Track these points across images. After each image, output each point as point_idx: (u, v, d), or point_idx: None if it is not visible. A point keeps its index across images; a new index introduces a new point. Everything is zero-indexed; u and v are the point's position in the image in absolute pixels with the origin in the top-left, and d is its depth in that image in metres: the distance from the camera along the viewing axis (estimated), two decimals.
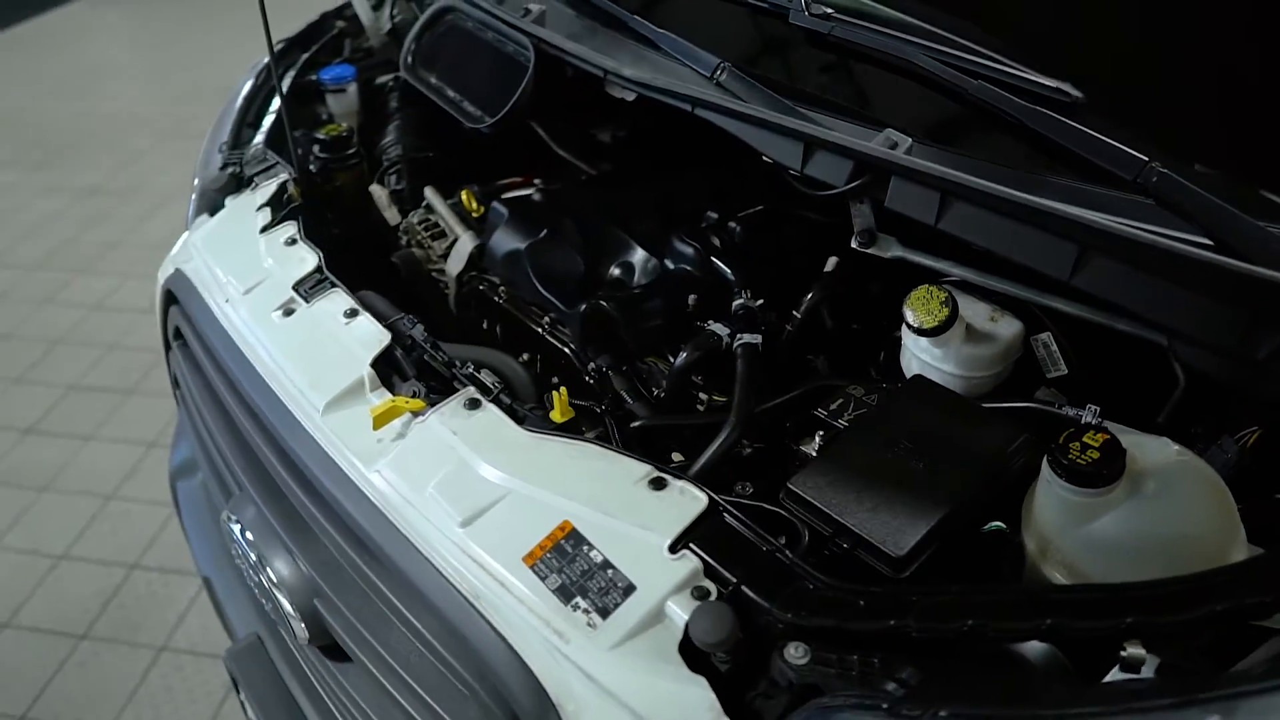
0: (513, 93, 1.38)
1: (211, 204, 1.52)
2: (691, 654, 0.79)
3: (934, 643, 0.76)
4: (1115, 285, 0.90)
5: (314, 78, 1.76)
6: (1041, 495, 0.92)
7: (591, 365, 1.22)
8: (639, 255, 1.30)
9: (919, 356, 1.12)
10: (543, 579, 0.85)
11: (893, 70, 1.13)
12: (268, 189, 1.43)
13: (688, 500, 0.88)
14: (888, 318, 1.26)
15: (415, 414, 1.01)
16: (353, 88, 1.75)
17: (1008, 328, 1.10)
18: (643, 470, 0.91)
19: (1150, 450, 0.90)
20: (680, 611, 0.80)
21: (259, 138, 1.58)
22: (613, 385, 1.18)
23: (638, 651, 0.79)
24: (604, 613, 0.81)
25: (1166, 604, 0.73)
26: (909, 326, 1.05)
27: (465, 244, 1.45)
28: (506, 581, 0.85)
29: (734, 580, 0.81)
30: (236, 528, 1.19)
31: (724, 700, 0.75)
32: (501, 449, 0.95)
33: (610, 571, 0.84)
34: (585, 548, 0.86)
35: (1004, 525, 0.91)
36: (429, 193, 1.57)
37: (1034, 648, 0.80)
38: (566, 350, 1.25)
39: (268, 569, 1.12)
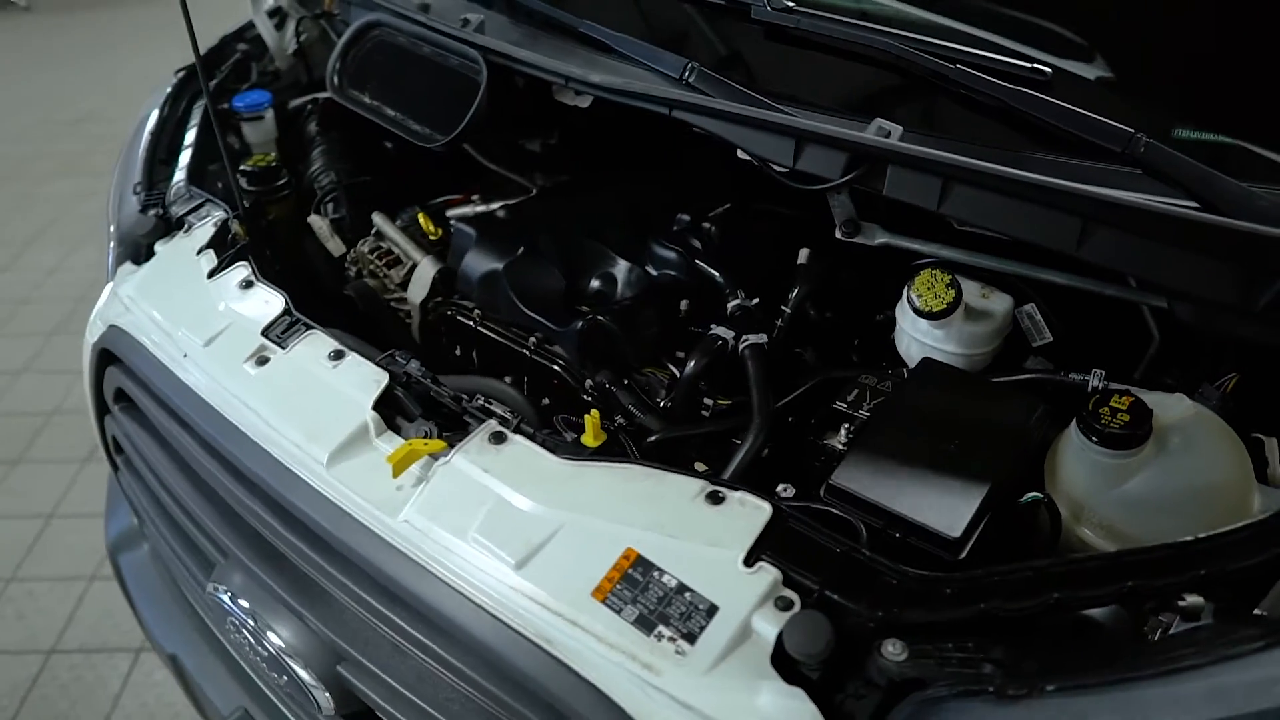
0: (465, 107, 1.32)
1: (136, 251, 1.39)
2: (783, 666, 0.77)
3: (1019, 621, 0.77)
4: (1120, 254, 0.94)
5: (226, 105, 1.64)
6: (1072, 461, 0.95)
7: (590, 382, 1.18)
8: (620, 265, 1.27)
9: (919, 339, 1.14)
10: (618, 612, 0.81)
11: (865, 61, 1.14)
12: (205, 230, 1.32)
13: (750, 510, 0.86)
14: (864, 305, 1.29)
15: (435, 455, 0.95)
16: (270, 114, 1.64)
17: (1000, 303, 1.14)
18: (696, 486, 0.88)
19: (1168, 407, 0.95)
20: (768, 625, 0.79)
21: (179, 174, 1.46)
22: (619, 400, 1.15)
23: (732, 672, 0.77)
24: (690, 638, 0.79)
25: (1232, 553, 0.77)
26: (916, 311, 1.07)
27: (427, 269, 1.38)
28: (579, 620, 0.81)
29: (816, 586, 0.80)
30: (226, 597, 1.10)
31: (819, 707, 0.74)
32: (540, 481, 0.91)
33: (688, 594, 0.81)
34: (656, 573, 0.83)
35: (1040, 495, 0.94)
36: (378, 219, 1.48)
37: (1102, 610, 0.83)
38: (557, 369, 1.21)
39: (272, 638, 1.04)
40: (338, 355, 1.08)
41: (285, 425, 1.03)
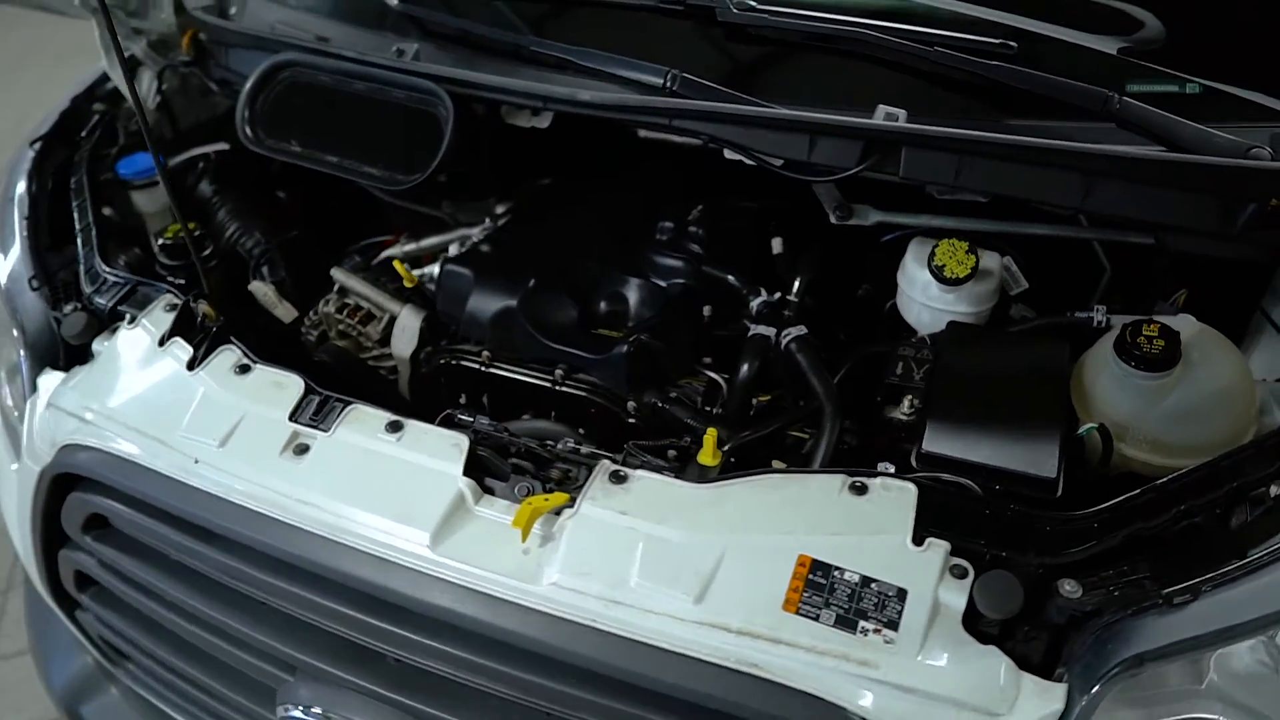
0: (430, 142, 1.24)
1: (55, 355, 1.19)
2: (971, 630, 0.82)
3: (1154, 538, 0.87)
4: (1119, 201, 1.06)
5: (110, 175, 1.43)
6: (1113, 388, 1.07)
7: (633, 405, 1.16)
8: (627, 283, 1.26)
9: (931, 306, 1.22)
10: (815, 619, 0.82)
11: (840, 54, 1.20)
12: (158, 317, 1.16)
13: (897, 493, 0.90)
14: (846, 283, 1.36)
15: (558, 510, 0.91)
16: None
17: (993, 261, 1.24)
18: (837, 481, 0.91)
19: (1180, 328, 1.09)
20: (954, 595, 0.83)
21: (92, 259, 1.26)
22: (675, 416, 1.14)
23: (938, 647, 0.81)
24: (893, 625, 0.81)
25: None
26: (943, 280, 1.15)
27: (411, 319, 1.29)
28: (781, 637, 0.81)
29: (983, 548, 0.85)
30: (300, 713, 0.99)
31: None
32: (684, 510, 0.90)
33: (874, 585, 0.84)
34: (836, 573, 0.85)
35: (1095, 425, 1.05)
36: (340, 274, 1.36)
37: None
38: (595, 398, 1.18)
39: None
40: (395, 427, 0.99)
41: (360, 513, 0.94)
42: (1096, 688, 0.78)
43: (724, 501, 0.90)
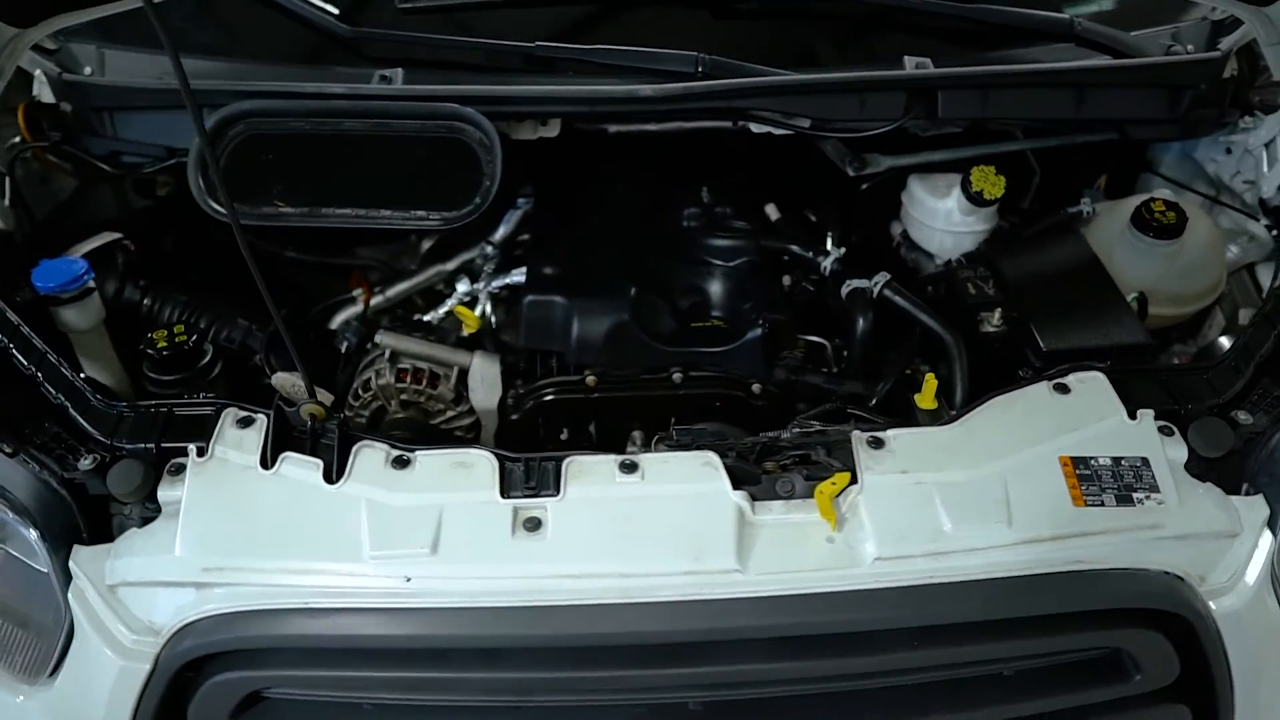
0: (469, 167, 1.12)
1: (83, 524, 0.94)
2: (1192, 472, 0.97)
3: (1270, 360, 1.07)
4: (1100, 106, 1.27)
5: (25, 294, 1.11)
6: (1134, 258, 1.29)
7: (758, 387, 1.17)
8: (699, 271, 1.25)
9: (954, 231, 1.35)
10: (1102, 505, 0.92)
11: (834, 16, 1.28)
12: (239, 437, 0.94)
13: (1091, 383, 1.01)
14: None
15: (842, 492, 0.91)
16: (92, 284, 1.15)
17: None
18: (1043, 387, 1.01)
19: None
20: (1176, 450, 0.97)
21: (88, 395, 0.99)
22: (812, 383, 1.17)
23: (1186, 495, 0.95)
24: (1155, 489, 0.94)
25: None
26: (982, 202, 1.28)
27: (488, 367, 1.17)
28: (1088, 529, 0.90)
29: (1174, 405, 1.00)
30: None
31: None
32: (950, 453, 0.94)
33: (1124, 461, 0.95)
34: (1093, 462, 0.95)
35: (1137, 293, 1.25)
36: (390, 339, 1.18)
37: None
38: (717, 391, 1.17)
39: None
40: (630, 467, 0.92)
41: (648, 564, 0.87)
42: None
43: (973, 435, 0.96)
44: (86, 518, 0.97)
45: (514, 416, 1.18)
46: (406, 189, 1.15)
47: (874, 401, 1.16)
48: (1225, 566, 0.94)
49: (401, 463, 0.93)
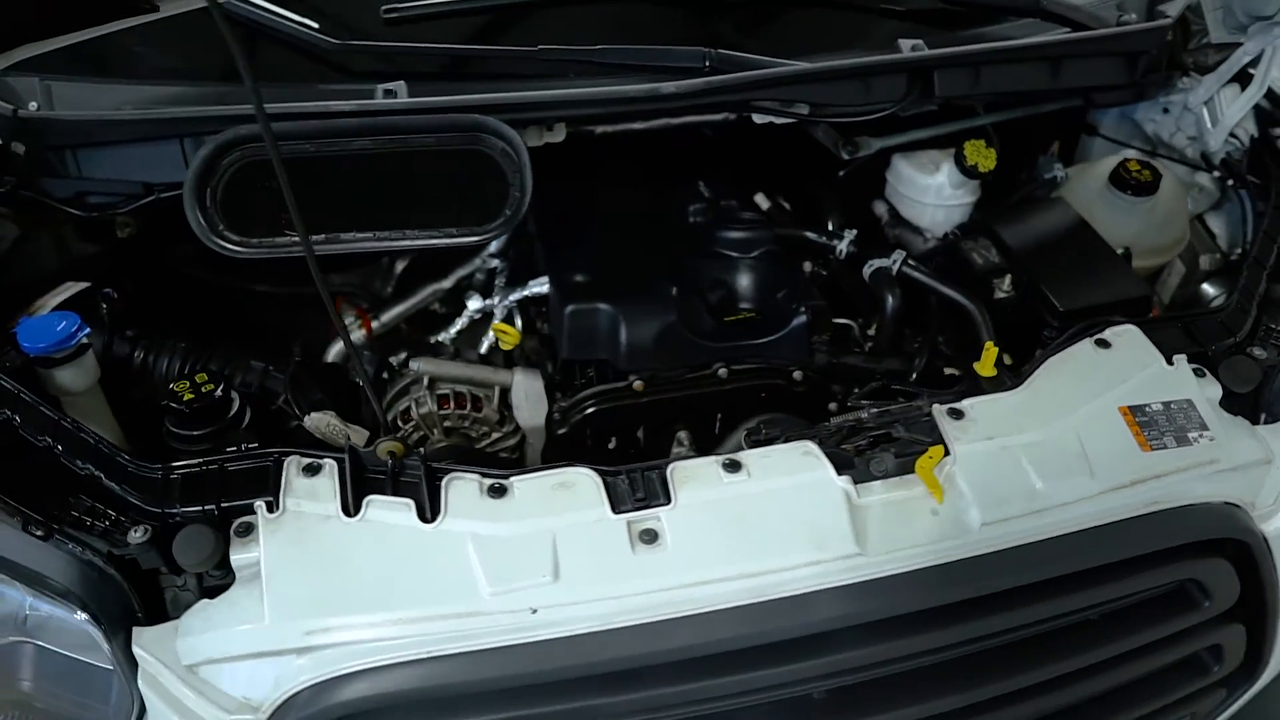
0: (493, 177, 1.08)
1: (138, 602, 0.86)
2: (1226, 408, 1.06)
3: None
4: (1071, 75, 1.34)
5: (7, 362, 0.98)
6: (1115, 216, 1.38)
7: (799, 374, 1.18)
8: (721, 265, 1.25)
9: (945, 205, 1.41)
10: (1164, 448, 0.98)
11: (820, 5, 1.30)
12: (311, 486, 0.88)
13: (1126, 335, 1.08)
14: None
15: (938, 464, 0.93)
16: (87, 340, 1.03)
17: None
18: (1087, 344, 1.06)
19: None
20: (1211, 389, 1.05)
21: (118, 458, 0.89)
22: (850, 366, 1.19)
23: (1229, 430, 1.02)
24: (1204, 426, 1.01)
25: None
26: (976, 175, 1.33)
27: (531, 382, 1.13)
28: (1160, 470, 0.96)
29: (1200, 348, 1.08)
30: None
31: None
32: (1024, 415, 0.98)
33: (1172, 405, 1.02)
34: (1148, 409, 1.01)
35: (1123, 249, 1.34)
36: (428, 365, 1.11)
37: None
38: (761, 382, 1.18)
39: None
40: (734, 466, 0.91)
41: (772, 560, 0.86)
42: None
43: (1039, 396, 1.01)
44: (139, 596, 0.88)
45: (561, 431, 1.15)
46: (429, 206, 1.09)
47: (914, 376, 1.20)
48: (1268, 491, 1.02)
49: (498, 491, 0.88)
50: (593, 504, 0.88)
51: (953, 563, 0.89)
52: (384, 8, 1.20)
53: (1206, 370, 1.07)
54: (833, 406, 1.20)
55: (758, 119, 1.28)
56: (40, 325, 1.01)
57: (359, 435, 1.10)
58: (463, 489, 0.89)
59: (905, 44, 1.25)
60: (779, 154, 1.45)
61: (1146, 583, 0.96)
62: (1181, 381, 1.04)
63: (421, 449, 0.99)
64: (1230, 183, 1.41)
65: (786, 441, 0.95)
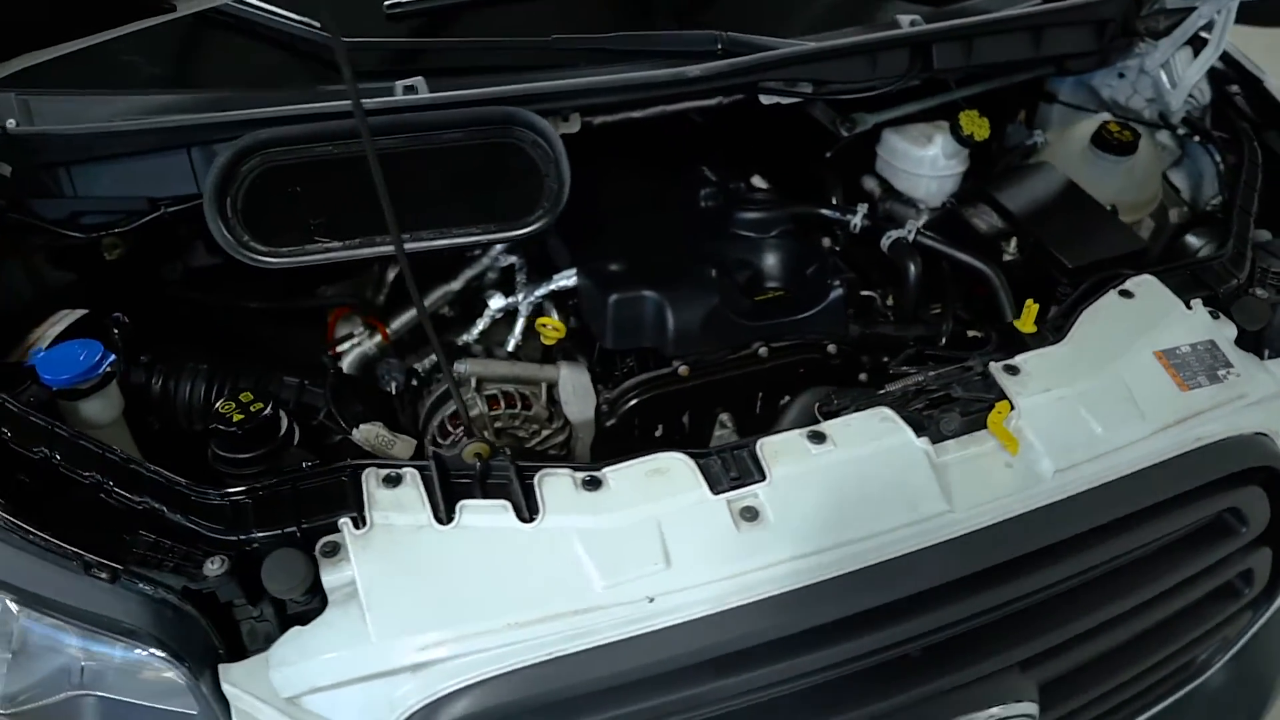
0: (526, 171, 1.06)
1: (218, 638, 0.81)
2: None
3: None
4: (1050, 44, 1.40)
5: (32, 392, 0.90)
6: (1098, 175, 1.45)
7: (833, 347, 1.20)
8: (744, 246, 1.26)
9: (939, 175, 1.45)
10: (1198, 386, 1.04)
11: None
12: (395, 498, 0.84)
13: (1145, 285, 1.13)
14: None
15: (1005, 417, 0.96)
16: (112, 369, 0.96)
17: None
18: (1112, 295, 1.12)
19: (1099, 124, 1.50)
20: (1226, 329, 1.12)
21: (184, 489, 0.84)
22: (882, 335, 1.22)
23: (1247, 366, 1.09)
24: (1229, 365, 1.07)
25: None
26: (972, 144, 1.38)
27: (578, 375, 1.11)
28: (1199, 409, 1.02)
29: (1212, 290, 1.15)
30: None
31: None
32: (1072, 366, 1.02)
33: (1198, 345, 1.08)
34: (1179, 350, 1.07)
35: (1110, 206, 1.41)
36: (476, 365, 1.08)
37: None
38: (800, 357, 1.19)
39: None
40: (819, 437, 0.92)
41: (871, 525, 0.87)
42: None
43: (1082, 347, 1.05)
44: (219, 630, 0.83)
45: (609, 423, 1.14)
46: (463, 204, 1.06)
47: (943, 341, 1.23)
48: None
49: (593, 483, 0.87)
50: (690, 487, 0.87)
51: (1032, 511, 0.92)
52: (387, 3, 1.17)
53: (1220, 312, 1.14)
54: (863, 377, 1.22)
55: (765, 99, 1.29)
56: (61, 356, 0.94)
57: (407, 444, 1.07)
58: (556, 485, 0.87)
59: (904, 19, 1.28)
60: (767, 136, 1.46)
61: (1197, 514, 1.02)
62: (1201, 324, 1.10)
63: (506, 449, 0.96)
64: (1196, 138, 1.50)
65: (858, 410, 0.97)
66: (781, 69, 1.19)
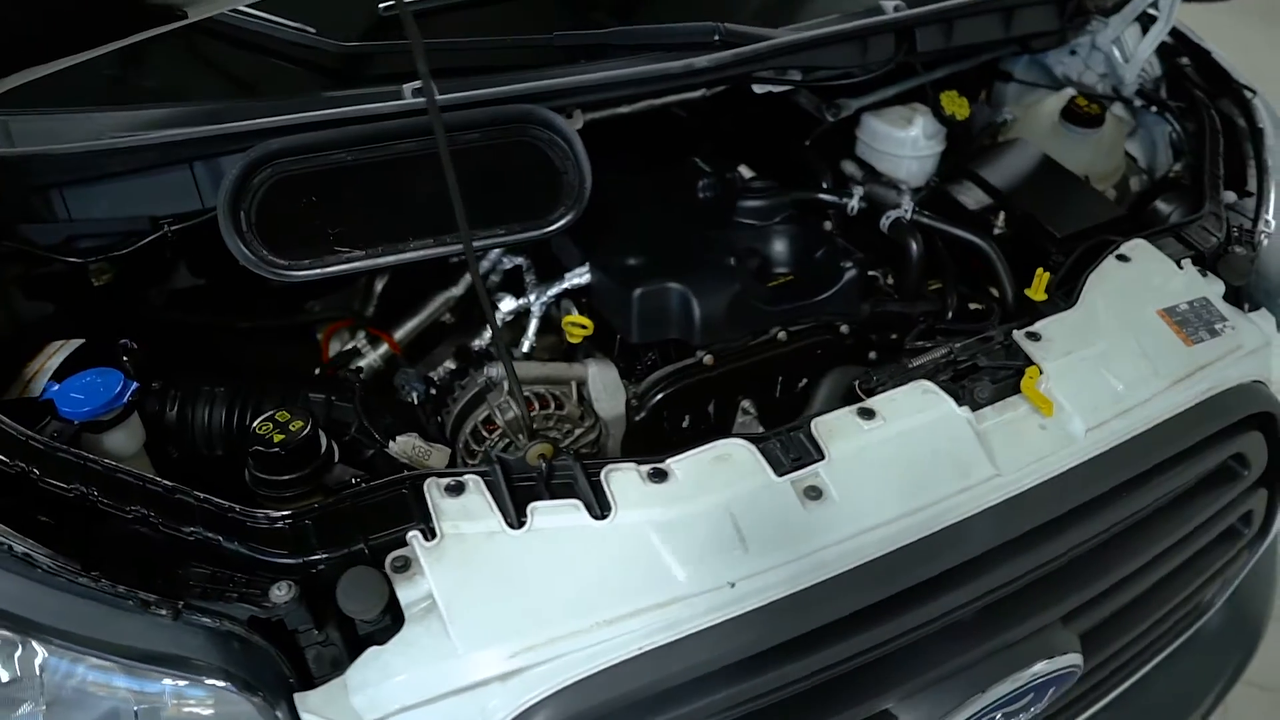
0: (544, 170, 1.05)
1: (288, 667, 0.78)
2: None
3: None
4: (1018, 25, 1.46)
5: (54, 433, 0.85)
6: (1068, 148, 1.51)
7: (846, 327, 1.23)
8: (750, 234, 1.27)
9: (919, 156, 1.48)
10: (1201, 341, 1.10)
11: None
12: (462, 506, 0.82)
13: (1140, 249, 1.18)
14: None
15: (1037, 381, 1.00)
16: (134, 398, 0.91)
17: None
18: (1111, 260, 1.17)
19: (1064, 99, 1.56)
20: (1215, 286, 1.19)
21: (235, 514, 0.80)
22: (892, 313, 1.25)
23: (1236, 318, 1.16)
24: (1223, 318, 1.14)
25: None
26: (952, 123, 1.42)
27: (606, 371, 1.10)
28: (1205, 362, 1.08)
29: (1197, 249, 1.21)
30: None
31: None
32: (1087, 329, 1.07)
33: (1194, 303, 1.14)
34: (1180, 309, 1.12)
35: (1083, 176, 1.47)
36: (500, 370, 1.06)
37: None
38: (817, 339, 1.21)
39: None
40: (868, 413, 0.93)
41: (929, 494, 0.90)
42: None
43: (1092, 311, 1.09)
44: (289, 659, 0.80)
45: (639, 417, 1.13)
46: (485, 205, 1.05)
47: (950, 315, 1.27)
48: (1276, 368, 1.17)
49: (659, 475, 0.87)
50: (755, 471, 0.88)
51: (1071, 469, 0.96)
52: (381, 5, 1.14)
53: (1208, 270, 1.20)
54: (872, 355, 1.25)
55: (757, 88, 1.31)
56: (79, 388, 0.89)
57: (442, 454, 1.04)
58: (623, 480, 0.86)
59: (887, 5, 1.32)
60: (748, 125, 1.48)
61: (1210, 461, 1.07)
62: (1193, 282, 1.17)
63: (566, 449, 0.95)
64: (1153, 109, 1.58)
65: (897, 385, 0.99)
66: (779, 57, 1.21)
